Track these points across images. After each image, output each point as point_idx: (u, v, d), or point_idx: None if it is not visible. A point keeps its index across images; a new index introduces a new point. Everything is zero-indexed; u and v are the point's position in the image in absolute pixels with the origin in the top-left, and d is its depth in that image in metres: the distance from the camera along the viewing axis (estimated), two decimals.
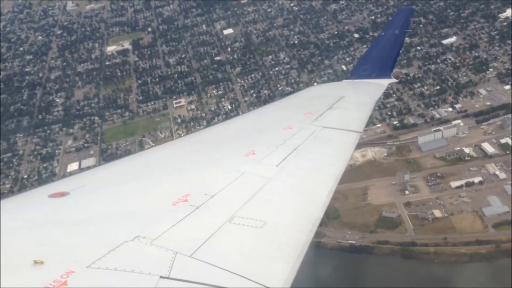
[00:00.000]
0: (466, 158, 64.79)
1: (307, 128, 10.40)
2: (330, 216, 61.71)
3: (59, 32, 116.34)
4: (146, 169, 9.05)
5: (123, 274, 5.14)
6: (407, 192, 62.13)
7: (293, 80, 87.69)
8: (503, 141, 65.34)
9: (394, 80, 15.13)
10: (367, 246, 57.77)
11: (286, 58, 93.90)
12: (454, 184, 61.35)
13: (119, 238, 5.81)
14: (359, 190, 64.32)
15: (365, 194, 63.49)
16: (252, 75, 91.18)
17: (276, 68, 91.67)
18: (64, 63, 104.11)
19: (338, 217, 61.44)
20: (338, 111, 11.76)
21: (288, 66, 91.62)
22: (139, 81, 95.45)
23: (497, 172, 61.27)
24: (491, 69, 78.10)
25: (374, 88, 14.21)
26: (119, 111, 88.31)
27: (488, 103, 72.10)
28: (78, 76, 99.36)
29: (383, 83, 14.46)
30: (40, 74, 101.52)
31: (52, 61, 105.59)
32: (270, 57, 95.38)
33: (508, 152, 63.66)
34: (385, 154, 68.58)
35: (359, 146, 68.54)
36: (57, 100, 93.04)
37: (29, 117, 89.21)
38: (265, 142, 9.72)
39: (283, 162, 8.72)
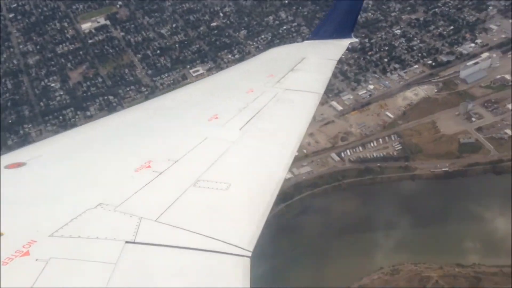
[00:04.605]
0: (509, 84, 71.43)
1: (269, 91, 10.46)
2: (414, 151, 64.64)
3: (11, 15, 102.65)
4: (106, 136, 8.79)
5: (87, 241, 5.22)
6: (473, 119, 67.10)
7: (308, 36, 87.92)
8: None
9: (354, 39, 15.45)
10: (460, 170, 61.65)
11: (289, 17, 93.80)
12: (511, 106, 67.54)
13: (81, 206, 5.82)
14: (428, 124, 67.88)
15: (436, 127, 67.16)
16: (262, 36, 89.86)
17: (284, 27, 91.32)
18: (38, 47, 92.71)
19: (421, 151, 64.50)
20: (299, 73, 11.86)
21: (295, 24, 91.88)
22: (139, 55, 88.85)
23: None
24: (490, 7, 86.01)
25: (335, 48, 14.28)
26: (132, 87, 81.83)
27: (503, 36, 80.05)
28: (62, 57, 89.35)
29: (344, 43, 14.64)
30: (15, 61, 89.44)
31: (21, 46, 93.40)
32: (271, 17, 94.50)
33: None
34: (436, 90, 72.92)
35: (408, 86, 72.24)
36: (53, 84, 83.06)
37: (28, 106, 78.79)
38: (227, 106, 9.80)
39: (246, 126, 8.79)
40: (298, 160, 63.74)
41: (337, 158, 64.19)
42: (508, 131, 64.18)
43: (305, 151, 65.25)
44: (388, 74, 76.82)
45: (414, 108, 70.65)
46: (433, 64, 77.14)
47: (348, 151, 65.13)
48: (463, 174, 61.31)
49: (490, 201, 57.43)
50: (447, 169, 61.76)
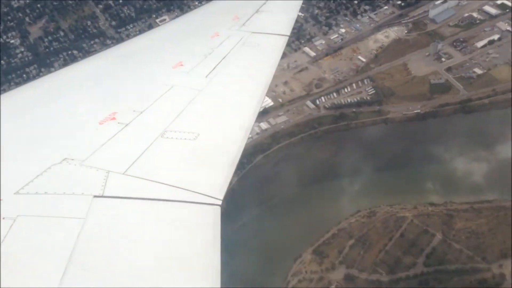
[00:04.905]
0: (477, 22, 72.26)
1: (235, 35, 10.18)
2: (386, 94, 65.68)
3: None
4: (66, 88, 8.32)
5: (55, 197, 5.13)
6: (443, 59, 68.12)
7: None
8: (499, 2, 73.62)
9: None
10: (431, 112, 63.24)
11: None
12: (479, 44, 68.83)
13: (45, 162, 5.67)
14: (400, 66, 68.62)
15: (407, 69, 67.97)
16: None
17: None
18: None
19: (394, 94, 65.57)
20: (265, 14, 11.40)
21: None
22: (100, 6, 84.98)
23: (509, 28, 69.99)
24: None
25: None
26: (97, 40, 78.98)
27: None
28: (19, 12, 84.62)
29: None
30: None
31: None
32: None
33: (507, 10, 72.47)
34: (406, 31, 73.10)
35: (379, 28, 72.16)
36: (12, 41, 79.26)
37: None
38: (192, 52, 9.54)
39: (212, 72, 8.66)
40: (274, 109, 64.12)
41: (312, 106, 64.72)
42: (476, 70, 65.50)
43: (280, 100, 65.51)
44: (359, 17, 76.29)
45: (385, 51, 71.00)
46: (402, 4, 76.85)
47: (323, 98, 65.65)
48: (434, 115, 62.99)
49: (460, 141, 59.69)
50: (419, 111, 63.24)
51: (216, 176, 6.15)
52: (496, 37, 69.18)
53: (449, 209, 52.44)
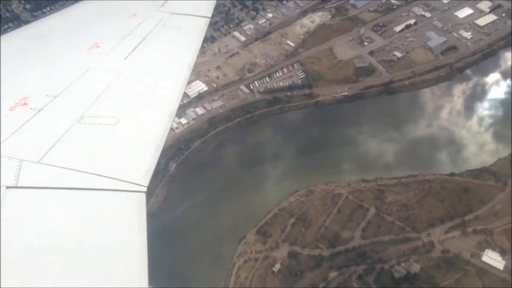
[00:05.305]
0: (394, 7, 76.98)
1: (154, 16, 9.90)
2: (315, 78, 68.26)
3: None
4: None
5: None
6: (365, 43, 71.91)
7: None
8: None
9: None
10: (357, 94, 66.82)
11: None
12: (397, 28, 73.54)
13: None
14: (326, 51, 71.47)
15: (333, 53, 70.97)
16: None
17: None
18: None
19: (322, 77, 68.30)
20: None
21: None
22: None
23: (423, 13, 75.33)
24: None
25: None
26: (11, 24, 73.68)
27: None
28: None
29: None
30: None
31: None
32: None
33: None
34: (330, 17, 76.00)
35: (304, 14, 74.59)
36: None
37: None
38: (109, 33, 9.19)
39: (132, 54, 8.42)
40: (209, 94, 64.22)
41: (246, 90, 65.60)
42: (396, 53, 69.97)
43: (214, 85, 65.66)
44: (284, 1, 77.97)
45: (312, 35, 73.45)
46: None
47: (256, 82, 66.73)
48: (360, 97, 66.57)
49: (383, 120, 64.11)
50: (346, 93, 66.47)
51: (140, 162, 5.96)
52: (412, 21, 74.28)
53: (380, 184, 56.18)
